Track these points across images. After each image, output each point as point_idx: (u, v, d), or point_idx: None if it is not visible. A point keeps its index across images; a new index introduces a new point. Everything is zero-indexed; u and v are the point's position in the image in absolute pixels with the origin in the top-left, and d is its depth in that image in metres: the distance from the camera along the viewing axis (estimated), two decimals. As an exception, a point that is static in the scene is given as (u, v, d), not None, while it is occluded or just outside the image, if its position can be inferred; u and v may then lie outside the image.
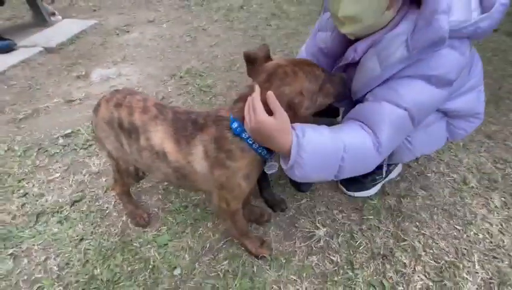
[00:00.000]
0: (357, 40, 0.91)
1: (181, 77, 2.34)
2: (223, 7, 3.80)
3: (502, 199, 1.26)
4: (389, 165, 1.26)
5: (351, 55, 0.92)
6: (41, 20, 3.36)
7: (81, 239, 1.20)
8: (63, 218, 1.29)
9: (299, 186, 1.08)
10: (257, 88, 0.76)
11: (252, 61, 0.84)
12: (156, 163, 0.91)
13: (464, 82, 0.95)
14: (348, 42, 0.96)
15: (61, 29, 3.23)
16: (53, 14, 3.58)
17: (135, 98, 0.93)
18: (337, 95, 0.89)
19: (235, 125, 0.80)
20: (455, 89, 0.94)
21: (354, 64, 0.94)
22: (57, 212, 1.31)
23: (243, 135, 0.80)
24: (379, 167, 1.26)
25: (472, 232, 1.15)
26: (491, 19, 0.76)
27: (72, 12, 4.04)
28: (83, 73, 2.46)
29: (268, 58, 0.85)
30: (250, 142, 0.81)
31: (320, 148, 0.78)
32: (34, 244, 1.19)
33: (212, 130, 0.83)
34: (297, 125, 0.79)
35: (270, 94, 0.73)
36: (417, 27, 0.77)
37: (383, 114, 0.82)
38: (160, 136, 0.87)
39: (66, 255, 1.15)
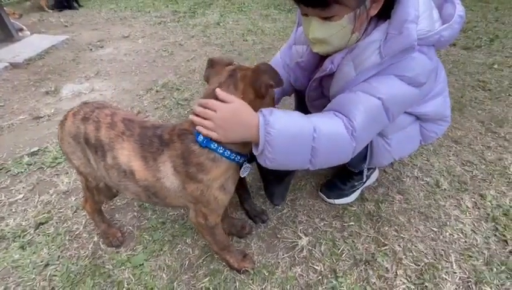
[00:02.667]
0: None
1: (157, 91, 2.30)
2: (200, 24, 3.86)
3: (472, 199, 1.32)
4: (368, 169, 1.29)
5: (328, 67, 0.95)
6: (7, 35, 3.22)
7: (46, 265, 1.10)
8: (25, 243, 1.18)
9: (272, 199, 1.08)
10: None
11: (212, 66, 0.83)
12: (124, 182, 0.85)
13: (432, 87, 1.01)
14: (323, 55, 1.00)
15: (30, 45, 3.11)
16: (21, 29, 3.46)
17: (103, 113, 0.88)
18: None
19: (200, 138, 0.78)
20: (425, 94, 0.99)
21: (330, 75, 0.98)
22: (19, 236, 1.20)
23: (212, 146, 0.78)
24: (359, 172, 1.28)
25: (447, 233, 1.18)
26: (452, 28, 0.84)
27: (42, 28, 3.93)
28: (52, 89, 2.36)
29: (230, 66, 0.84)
30: (221, 151, 0.78)
31: (289, 126, 0.77)
32: (-10, 274, 1.07)
33: (177, 145, 0.79)
34: (264, 108, 0.79)
35: (219, 91, 0.75)
36: (389, 35, 0.82)
37: (357, 101, 0.83)
38: (126, 154, 0.82)
39: (28, 283, 1.05)
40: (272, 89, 0.81)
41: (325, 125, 0.81)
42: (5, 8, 3.27)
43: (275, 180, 1.06)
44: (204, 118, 0.77)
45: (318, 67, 1.04)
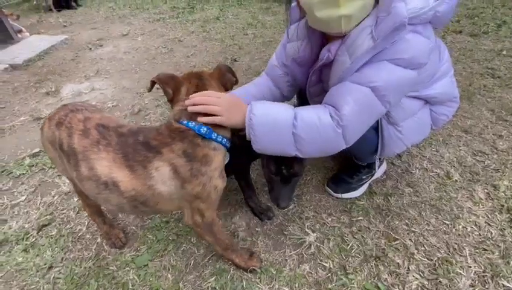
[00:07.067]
0: (327, 42, 0.93)
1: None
2: (199, 19, 3.81)
3: (485, 190, 1.27)
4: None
5: (325, 55, 0.93)
6: (7, 37, 3.21)
7: (50, 267, 1.08)
8: (28, 245, 1.16)
9: (278, 202, 1.04)
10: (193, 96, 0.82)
11: (167, 84, 0.83)
12: (105, 194, 0.80)
13: (437, 68, 0.98)
14: (319, 48, 0.98)
15: (29, 46, 3.09)
16: (20, 31, 3.44)
17: (76, 118, 0.83)
18: None
19: (204, 129, 0.79)
20: (432, 75, 0.96)
21: (329, 66, 0.95)
22: (22, 239, 1.19)
23: (213, 136, 0.81)
24: (367, 165, 1.24)
25: (460, 226, 1.14)
26: (447, 2, 0.80)
27: (41, 28, 3.91)
28: (53, 89, 2.34)
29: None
30: (220, 139, 0.83)
31: (269, 113, 0.84)
32: (-6, 278, 1.06)
33: (177, 146, 0.77)
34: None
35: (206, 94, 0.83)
36: (379, 19, 0.79)
37: (346, 92, 0.84)
38: (106, 165, 0.76)
39: (32, 286, 1.03)
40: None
41: (307, 114, 0.84)
42: (3, 10, 3.25)
43: (281, 182, 1.02)
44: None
45: (315, 62, 1.02)
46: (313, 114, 0.83)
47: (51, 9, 4.69)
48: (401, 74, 0.82)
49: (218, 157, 0.83)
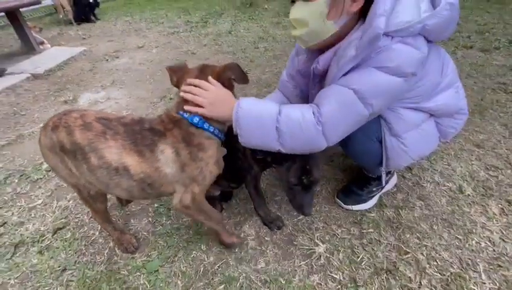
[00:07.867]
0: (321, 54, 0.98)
1: (171, 99, 2.34)
2: (212, 32, 3.93)
3: (499, 205, 1.25)
4: (386, 173, 1.24)
5: (314, 66, 0.99)
6: (30, 48, 3.38)
7: (63, 270, 1.11)
8: (43, 247, 1.20)
9: (303, 210, 1.05)
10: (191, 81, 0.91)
11: (175, 72, 0.95)
12: (116, 179, 0.86)
13: (438, 81, 0.98)
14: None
15: (50, 56, 3.24)
16: (42, 42, 3.61)
17: (71, 117, 0.87)
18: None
19: (196, 119, 0.88)
20: (431, 88, 0.97)
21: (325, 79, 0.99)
22: (38, 241, 1.22)
23: (205, 126, 0.90)
24: (377, 178, 1.24)
25: (474, 241, 1.12)
26: (438, 17, 0.81)
27: (62, 40, 4.10)
28: (71, 98, 2.44)
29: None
30: (212, 129, 0.91)
31: (254, 107, 0.89)
32: (10, 278, 1.09)
33: (176, 132, 0.87)
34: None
35: (211, 78, 0.90)
36: (364, 31, 0.83)
37: (329, 93, 0.89)
38: (116, 152, 0.84)
39: (46, 288, 1.05)
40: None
41: (292, 110, 0.88)
42: (27, 23, 3.44)
43: (303, 190, 1.04)
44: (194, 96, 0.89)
45: None
46: (297, 111, 0.88)
47: (71, 23, 4.93)
48: (385, 79, 0.83)
49: (212, 146, 0.91)
